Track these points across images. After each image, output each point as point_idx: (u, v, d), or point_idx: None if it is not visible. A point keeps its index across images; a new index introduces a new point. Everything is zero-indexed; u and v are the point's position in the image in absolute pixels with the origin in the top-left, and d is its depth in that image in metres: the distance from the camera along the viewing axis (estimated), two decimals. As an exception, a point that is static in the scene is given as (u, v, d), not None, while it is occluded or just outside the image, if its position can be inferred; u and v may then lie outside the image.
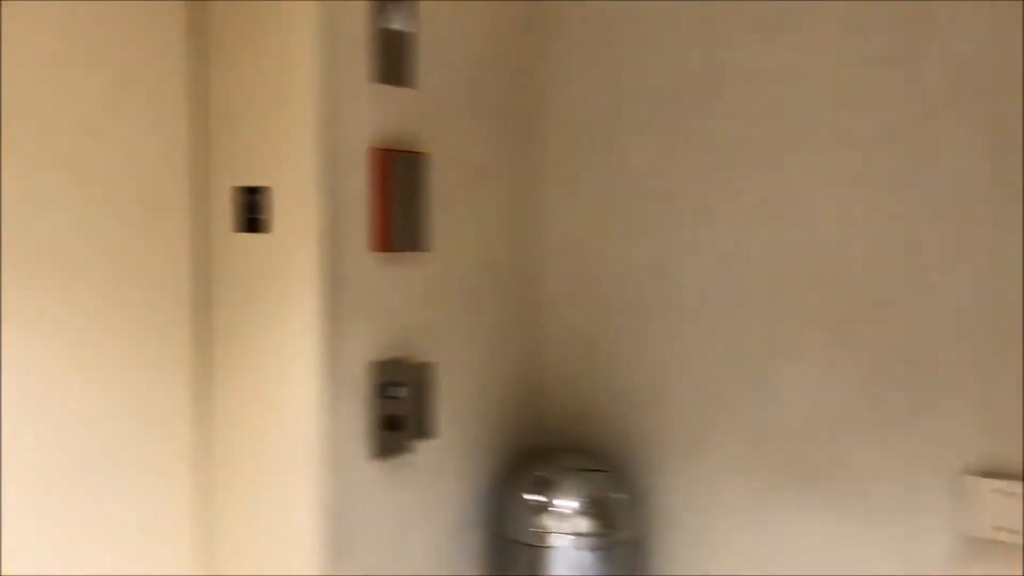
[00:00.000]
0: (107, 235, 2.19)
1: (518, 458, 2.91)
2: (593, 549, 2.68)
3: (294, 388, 2.28)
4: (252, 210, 2.30)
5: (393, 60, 2.42)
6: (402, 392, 2.47)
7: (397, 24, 2.42)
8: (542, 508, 2.70)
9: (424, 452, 2.56)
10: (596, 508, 2.71)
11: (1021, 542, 2.35)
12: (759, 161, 2.66)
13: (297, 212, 2.23)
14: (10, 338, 2.02)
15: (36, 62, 2.05)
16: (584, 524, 2.68)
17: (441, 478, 2.64)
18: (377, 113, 2.39)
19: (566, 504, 2.70)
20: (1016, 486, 2.35)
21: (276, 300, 2.29)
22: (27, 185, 2.04)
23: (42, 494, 2.08)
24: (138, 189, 2.25)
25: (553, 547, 2.66)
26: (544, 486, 2.72)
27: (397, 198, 2.42)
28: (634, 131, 2.84)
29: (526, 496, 2.73)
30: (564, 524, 2.68)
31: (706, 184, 2.73)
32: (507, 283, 2.84)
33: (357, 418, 2.38)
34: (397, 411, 2.48)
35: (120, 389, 2.23)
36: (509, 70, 2.80)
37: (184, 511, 2.37)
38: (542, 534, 2.67)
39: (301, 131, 2.23)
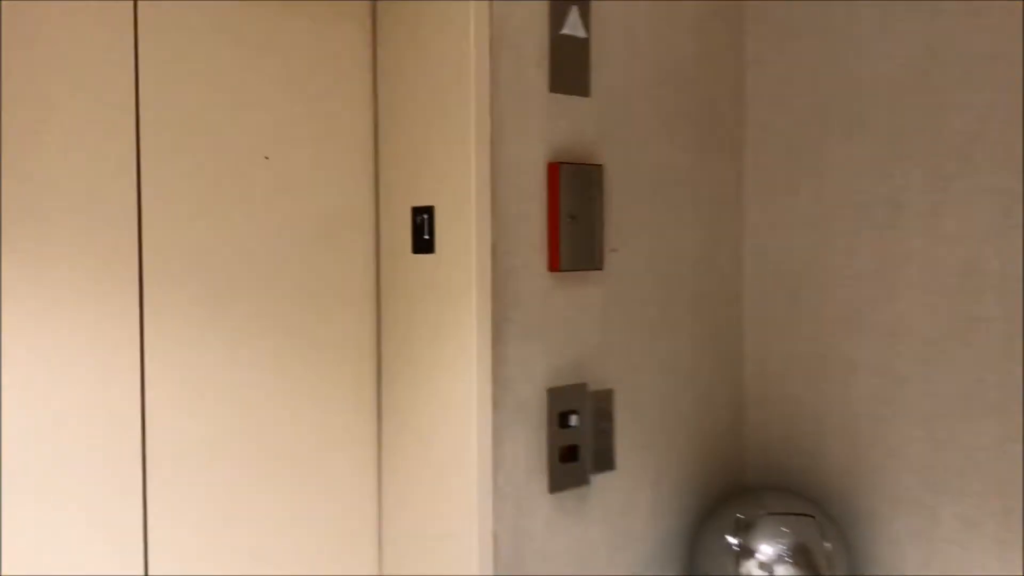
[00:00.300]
0: (296, 252, 2.17)
1: (716, 496, 2.65)
2: (799, 602, 2.38)
3: (459, 416, 2.16)
4: (422, 230, 2.22)
5: (568, 67, 2.27)
6: (579, 421, 2.30)
7: (571, 29, 2.27)
8: (743, 553, 2.44)
9: (605, 486, 2.38)
10: (802, 557, 2.41)
11: None
12: (1000, 159, 2.29)
13: (460, 231, 2.12)
14: (217, 345, 2.05)
15: (228, 83, 2.06)
16: (788, 574, 2.39)
17: (626, 514, 2.44)
18: (553, 124, 2.25)
19: (769, 551, 2.42)
20: None
21: (440, 323, 2.18)
22: (224, 206, 2.05)
23: (239, 494, 2.09)
24: (327, 205, 2.24)
25: (753, 597, 2.40)
26: (745, 529, 2.46)
27: (574, 213, 2.26)
28: (847, 132, 2.53)
29: (726, 539, 2.48)
30: (766, 572, 2.40)
31: (936, 188, 2.38)
32: (699, 302, 2.61)
33: (531, 448, 2.23)
34: (574, 441, 2.31)
35: (309, 398, 2.20)
36: (697, 71, 2.58)
37: (358, 526, 2.32)
38: (740, 582, 2.41)
39: (464, 146, 2.12)
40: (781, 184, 2.67)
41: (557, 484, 2.28)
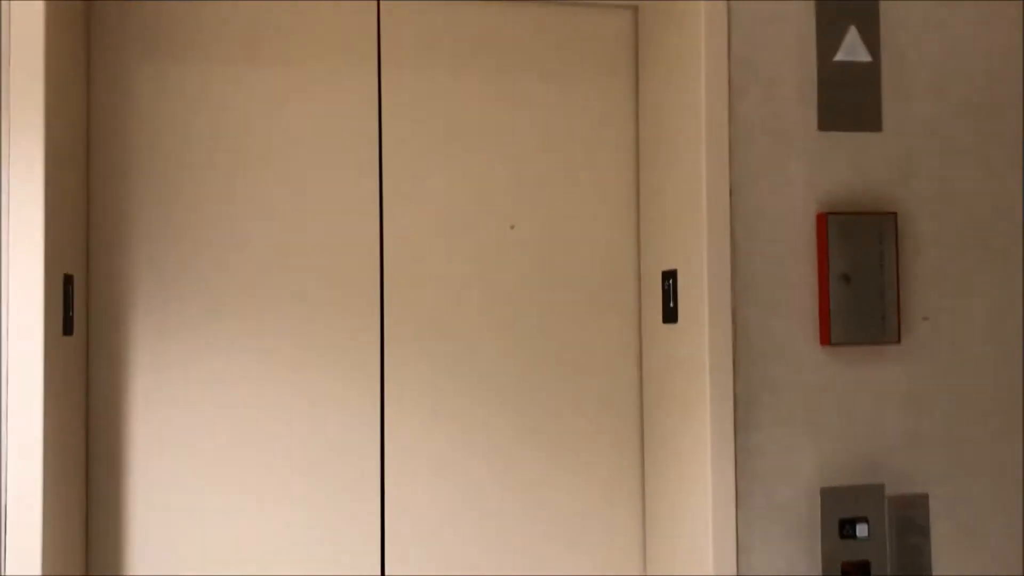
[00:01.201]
0: (557, 321, 2.05)
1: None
2: None
3: (697, 510, 1.85)
4: (669, 297, 1.97)
5: (848, 98, 1.89)
6: (870, 531, 1.85)
7: (848, 54, 1.89)
8: None
9: (913, 620, 1.87)
10: None
11: None
12: None
13: (696, 298, 1.84)
14: (467, 417, 1.99)
15: (485, 151, 2.03)
16: None
17: (948, 661, 1.89)
18: (826, 168, 1.88)
19: None
20: None
21: (685, 403, 1.90)
22: (478, 276, 2.02)
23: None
24: (590, 270, 2.09)
25: None
26: None
27: (849, 274, 1.85)
28: None
29: None
30: None
31: None
32: None
33: (796, 560, 1.83)
34: (863, 556, 1.85)
35: (572, 471, 2.02)
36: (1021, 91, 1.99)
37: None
38: None
39: (695, 198, 1.85)
40: None
41: (835, 609, 1.84)
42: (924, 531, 1.89)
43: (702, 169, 1.83)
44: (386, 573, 1.95)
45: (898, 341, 1.86)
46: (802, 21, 1.87)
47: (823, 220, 1.85)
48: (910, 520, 1.89)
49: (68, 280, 1.70)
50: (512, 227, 2.05)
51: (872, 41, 1.90)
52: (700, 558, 1.83)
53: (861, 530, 1.85)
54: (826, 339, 1.84)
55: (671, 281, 1.95)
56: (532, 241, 2.05)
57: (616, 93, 2.10)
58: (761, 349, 1.83)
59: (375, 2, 2.00)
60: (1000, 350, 1.94)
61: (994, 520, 1.92)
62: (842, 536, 1.85)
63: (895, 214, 1.87)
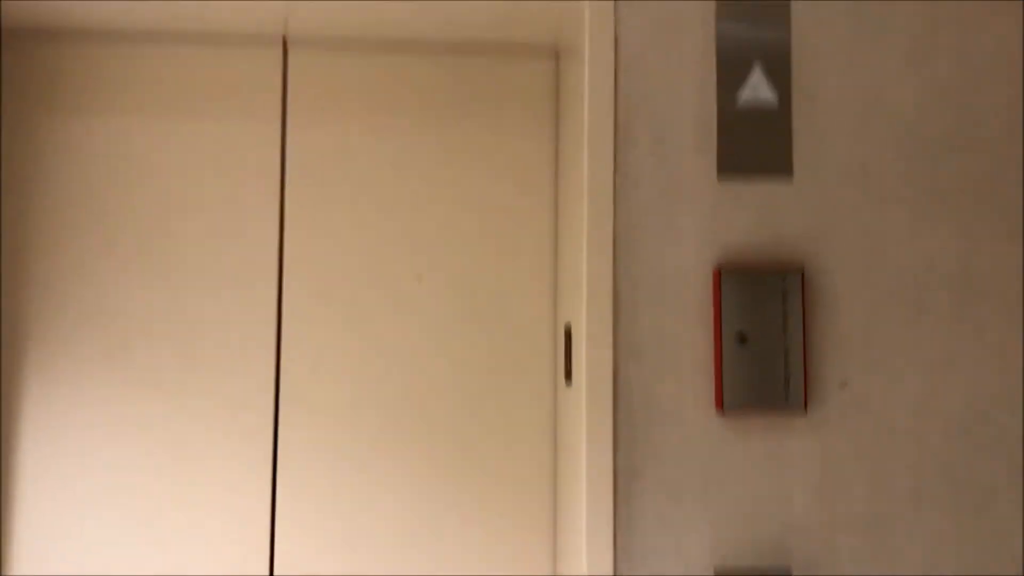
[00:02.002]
0: (466, 380, 1.96)
1: None
2: None
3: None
4: (568, 355, 1.84)
5: (752, 143, 1.74)
6: (772, 623, 1.66)
7: (753, 93, 1.74)
8: None
9: None
10: None
11: None
12: None
13: (581, 357, 1.71)
14: (367, 485, 1.94)
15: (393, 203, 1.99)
16: None
17: None
18: (727, 220, 1.72)
19: None
20: None
21: (574, 470, 1.77)
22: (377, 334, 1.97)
23: None
24: (501, 325, 1.99)
25: None
26: None
27: (754, 334, 1.68)
28: None
29: None
30: None
31: None
32: (987, 455, 1.72)
33: (685, 651, 1.66)
34: (764, 652, 1.66)
35: (484, 539, 1.93)
36: (976, 130, 1.76)
37: None
38: None
39: (578, 253, 1.72)
40: None
41: None
42: (838, 624, 1.69)
43: (583, 221, 1.71)
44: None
45: (804, 410, 1.68)
46: (701, 59, 1.73)
47: (716, 276, 1.69)
48: (822, 611, 1.69)
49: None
50: (419, 279, 1.98)
51: (782, 80, 1.74)
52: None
53: (762, 620, 1.67)
54: (720, 404, 1.68)
55: (567, 337, 1.84)
56: (444, 296, 1.97)
57: (536, 143, 2.00)
58: (648, 415, 1.69)
59: (281, 51, 1.98)
60: (933, 422, 1.72)
61: (923, 616, 1.69)
62: (741, 625, 1.67)
63: (802, 269, 1.70)
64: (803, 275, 1.70)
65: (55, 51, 1.92)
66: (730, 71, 1.74)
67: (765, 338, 1.68)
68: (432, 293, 1.97)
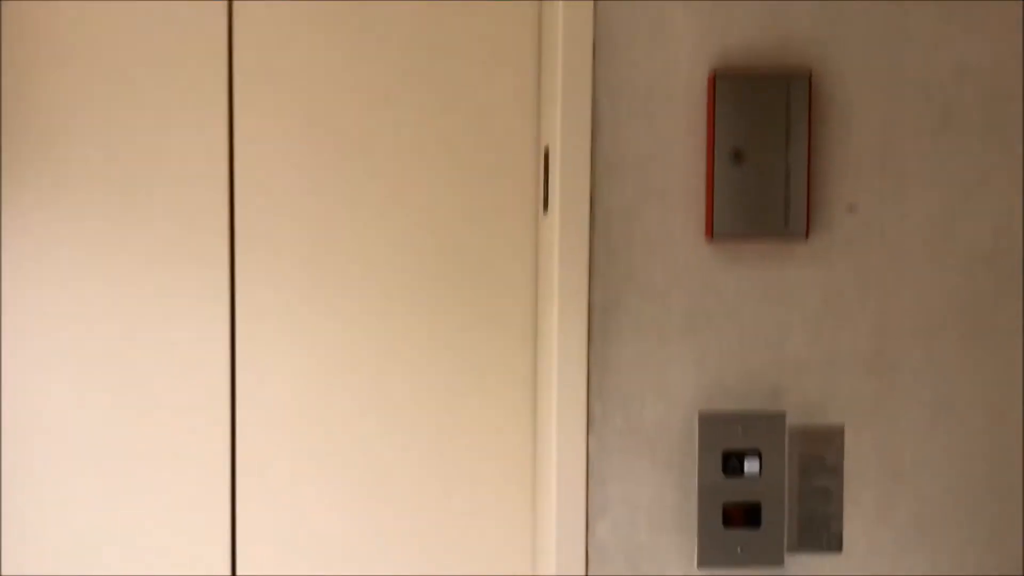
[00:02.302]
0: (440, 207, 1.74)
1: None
2: None
3: (545, 434, 1.56)
4: (545, 180, 1.65)
5: (758, -74, 1.48)
6: (763, 467, 1.52)
7: None
8: None
9: (810, 574, 1.54)
10: None
11: None
12: None
13: (568, 179, 1.51)
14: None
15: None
16: None
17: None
18: (725, 15, 1.49)
19: None
20: None
21: (544, 307, 1.60)
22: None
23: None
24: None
25: None
26: None
27: (751, 150, 1.47)
28: None
29: None
30: None
31: None
32: (1011, 290, 1.53)
33: (665, 496, 1.53)
34: (753, 498, 1.53)
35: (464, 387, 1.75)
36: None
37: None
38: None
39: (556, 62, 1.50)
40: None
41: (713, 557, 1.53)
42: (836, 472, 1.54)
43: (559, 19, 1.48)
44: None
45: (805, 236, 1.48)
46: None
47: (712, 83, 1.47)
48: (818, 458, 1.54)
49: None
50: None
51: None
52: (548, 492, 1.56)
53: (751, 466, 1.52)
54: (710, 231, 1.49)
55: (546, 161, 1.63)
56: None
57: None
58: (629, 243, 1.50)
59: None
60: (953, 252, 1.52)
61: (928, 464, 1.54)
62: (726, 472, 1.52)
63: (809, 74, 1.47)
64: (810, 81, 1.47)
65: None
66: None
67: (764, 155, 1.47)
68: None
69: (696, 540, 1.53)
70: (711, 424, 1.52)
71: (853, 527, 1.54)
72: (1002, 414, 1.53)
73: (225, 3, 1.67)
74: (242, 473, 1.68)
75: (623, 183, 1.49)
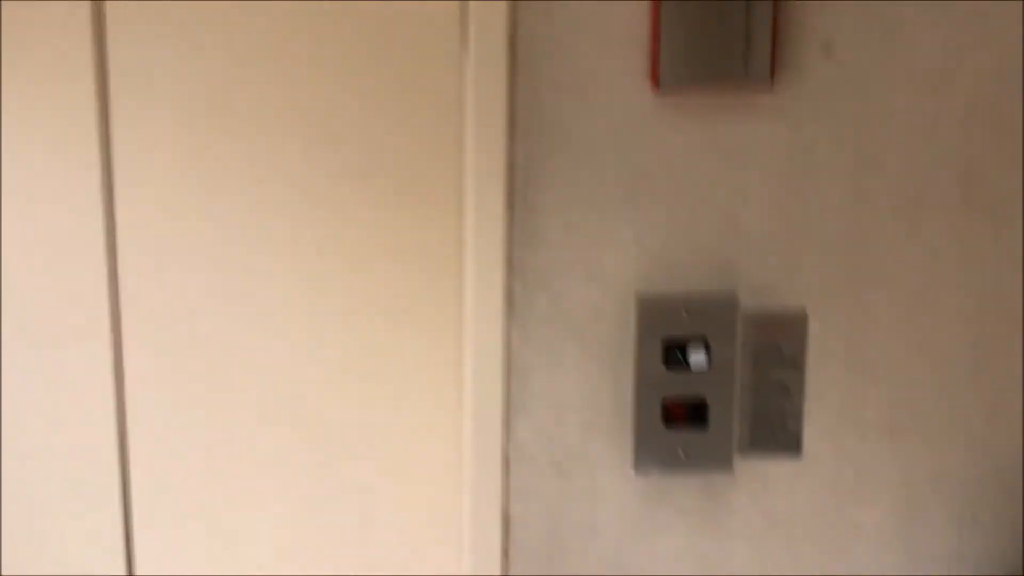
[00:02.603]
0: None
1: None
2: None
3: (453, 319, 1.33)
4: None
5: None
6: (710, 359, 1.30)
7: None
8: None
9: (771, 482, 1.34)
10: None
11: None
12: None
13: (486, 8, 1.24)
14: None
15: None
16: None
17: (815, 540, 1.36)
18: None
19: None
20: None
21: (461, 163, 1.34)
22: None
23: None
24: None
25: None
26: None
27: (706, -22, 1.20)
28: None
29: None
30: None
31: None
32: (1012, 148, 1.28)
33: (598, 391, 1.31)
34: (696, 392, 1.31)
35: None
36: None
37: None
38: None
39: None
40: None
41: (651, 460, 1.32)
42: (796, 364, 1.32)
43: None
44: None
45: (770, 83, 1.22)
46: None
47: None
48: (775, 348, 1.31)
49: None
50: None
51: None
52: (464, 381, 1.34)
53: (696, 357, 1.30)
54: (655, 79, 1.23)
55: (467, -7, 1.36)
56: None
57: None
58: (557, 92, 1.24)
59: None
60: (949, 100, 1.26)
61: (904, 357, 1.32)
62: (668, 364, 1.30)
63: None
64: None
65: None
66: None
67: (727, -19, 1.20)
68: None
69: (632, 442, 1.32)
70: (650, 307, 1.29)
71: (813, 428, 1.33)
72: (994, 301, 1.31)
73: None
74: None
75: (550, 16, 1.23)
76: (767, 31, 1.21)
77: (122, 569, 1.38)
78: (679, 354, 1.30)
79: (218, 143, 1.29)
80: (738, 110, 1.25)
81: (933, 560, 1.36)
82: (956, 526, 1.35)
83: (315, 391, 1.36)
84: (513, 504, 1.33)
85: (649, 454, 1.32)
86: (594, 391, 1.31)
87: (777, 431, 1.34)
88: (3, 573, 1.40)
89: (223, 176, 1.30)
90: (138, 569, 1.39)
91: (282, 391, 1.36)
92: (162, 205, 1.30)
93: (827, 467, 1.34)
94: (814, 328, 1.30)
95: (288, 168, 1.31)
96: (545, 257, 1.28)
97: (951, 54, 1.25)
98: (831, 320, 1.30)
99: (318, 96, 1.29)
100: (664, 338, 1.30)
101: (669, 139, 1.26)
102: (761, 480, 1.34)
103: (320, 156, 1.30)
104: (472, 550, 1.35)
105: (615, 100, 1.25)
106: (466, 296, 1.29)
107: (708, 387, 1.31)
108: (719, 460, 1.33)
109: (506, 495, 1.32)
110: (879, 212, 1.28)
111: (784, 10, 1.23)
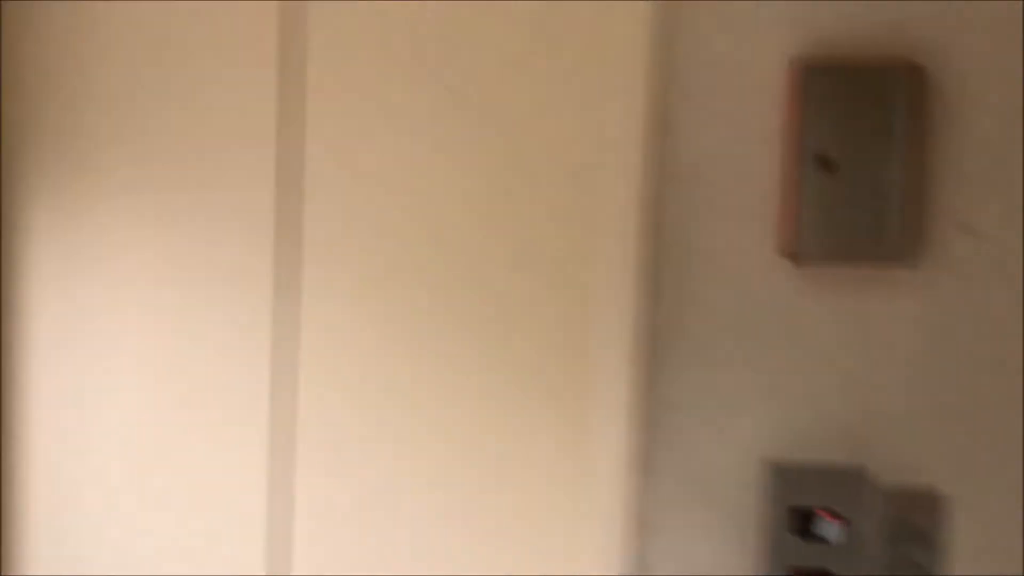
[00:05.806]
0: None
1: None
2: None
3: (587, 474, 1.36)
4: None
5: None
6: (844, 533, 1.29)
7: None
8: None
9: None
10: None
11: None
12: None
13: (620, 186, 1.30)
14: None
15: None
16: None
17: None
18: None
19: None
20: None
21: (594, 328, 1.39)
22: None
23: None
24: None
25: None
26: None
27: (845, 158, 1.24)
28: None
29: None
30: None
31: None
32: None
33: (722, 555, 1.32)
34: (825, 565, 1.30)
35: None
36: None
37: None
38: None
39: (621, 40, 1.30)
40: None
41: (778, 634, 1.31)
42: (928, 541, 1.29)
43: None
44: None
45: (908, 260, 1.24)
46: None
47: (795, 74, 1.24)
48: (907, 523, 1.29)
49: None
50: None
51: None
52: (596, 530, 1.36)
53: (828, 530, 1.29)
54: (791, 252, 1.26)
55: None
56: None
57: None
58: (694, 265, 1.29)
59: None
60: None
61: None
62: (799, 534, 1.30)
63: (919, 68, 1.22)
64: (922, 76, 1.22)
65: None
66: None
67: (859, 163, 1.23)
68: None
69: (757, 609, 1.31)
70: (781, 475, 1.29)
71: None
72: None
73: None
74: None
75: (682, 191, 1.28)
76: (900, 209, 1.23)
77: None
78: (807, 524, 1.29)
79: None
80: (873, 285, 1.27)
81: None
82: None
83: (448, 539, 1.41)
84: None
85: (774, 626, 1.31)
86: (721, 553, 1.31)
87: (909, 610, 1.30)
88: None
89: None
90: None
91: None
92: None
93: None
94: (962, 512, 1.28)
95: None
96: (676, 421, 1.31)
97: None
98: (967, 500, 1.27)
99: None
100: (791, 507, 1.30)
101: (800, 308, 1.28)
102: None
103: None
104: None
105: (750, 274, 1.28)
106: (594, 451, 1.33)
107: (836, 559, 1.29)
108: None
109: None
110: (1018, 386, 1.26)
111: (924, 188, 1.24)
